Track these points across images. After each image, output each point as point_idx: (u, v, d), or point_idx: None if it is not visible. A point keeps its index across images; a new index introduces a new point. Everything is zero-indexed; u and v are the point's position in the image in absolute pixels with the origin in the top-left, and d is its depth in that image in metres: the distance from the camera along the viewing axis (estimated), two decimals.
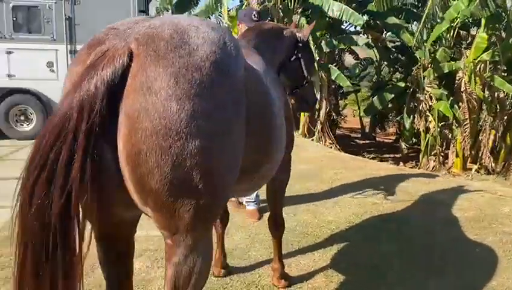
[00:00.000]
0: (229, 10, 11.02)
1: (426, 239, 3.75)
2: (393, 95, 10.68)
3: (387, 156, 12.89)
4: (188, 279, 1.54)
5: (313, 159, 6.80)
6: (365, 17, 11.64)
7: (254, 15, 3.70)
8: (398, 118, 13.49)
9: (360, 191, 5.05)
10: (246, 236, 3.80)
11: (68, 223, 1.35)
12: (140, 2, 9.05)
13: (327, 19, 9.81)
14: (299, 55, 3.15)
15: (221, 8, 10.58)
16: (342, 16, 9.11)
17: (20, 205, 1.35)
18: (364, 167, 6.47)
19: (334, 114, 15.53)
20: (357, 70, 16.08)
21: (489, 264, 3.28)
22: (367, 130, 17.05)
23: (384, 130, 17.29)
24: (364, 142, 15.73)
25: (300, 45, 3.16)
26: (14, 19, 8.30)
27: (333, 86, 14.08)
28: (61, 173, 1.31)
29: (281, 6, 10.04)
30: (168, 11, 10.79)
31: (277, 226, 2.92)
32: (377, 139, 16.69)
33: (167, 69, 1.34)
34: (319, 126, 10.45)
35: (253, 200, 4.25)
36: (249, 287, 2.98)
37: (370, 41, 11.07)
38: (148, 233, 3.80)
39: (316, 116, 10.67)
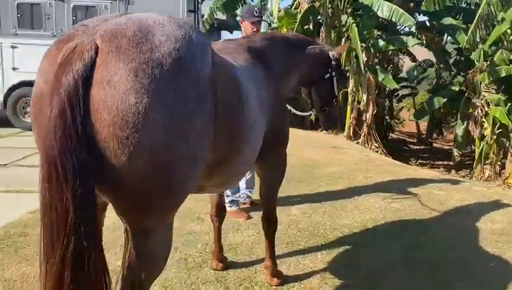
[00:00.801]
0: (279, 10, 11.07)
1: (439, 249, 3.58)
2: (445, 99, 10.18)
3: (440, 163, 12.35)
4: (143, 264, 1.63)
5: (347, 162, 6.70)
6: (423, 18, 11.25)
7: (256, 11, 3.76)
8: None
9: (385, 196, 4.90)
10: (255, 233, 3.84)
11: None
12: (190, 1, 9.34)
13: (380, 19, 9.58)
14: (333, 74, 3.20)
15: (271, 8, 10.66)
16: (391, 17, 8.86)
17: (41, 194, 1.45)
18: (400, 172, 6.26)
19: (387, 117, 15.16)
20: (416, 73, 15.51)
21: (501, 279, 3.09)
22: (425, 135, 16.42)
23: (442, 135, 16.55)
24: (418, 147, 15.17)
25: (334, 63, 3.20)
26: (74, 18, 8.90)
27: (388, 89, 13.76)
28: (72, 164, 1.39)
29: (330, 6, 9.94)
30: (220, 11, 11.03)
31: (268, 224, 2.94)
32: (434, 145, 16.02)
33: (127, 64, 1.42)
34: (365, 129, 10.23)
35: (230, 201, 4.24)
36: (242, 282, 3.02)
37: (424, 42, 10.65)
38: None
39: (364, 118, 10.45)
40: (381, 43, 9.51)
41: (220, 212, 3.12)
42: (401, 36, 9.53)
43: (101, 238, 1.60)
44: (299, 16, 9.72)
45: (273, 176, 2.88)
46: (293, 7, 11.00)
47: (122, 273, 1.65)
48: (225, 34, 16.56)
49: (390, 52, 12.37)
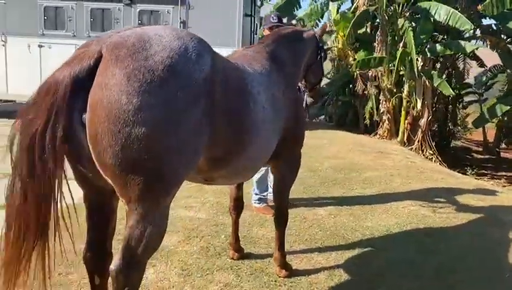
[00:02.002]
0: (338, 12, 11.12)
1: (456, 257, 3.59)
2: (508, 107, 9.68)
3: (503, 174, 11.69)
4: (139, 241, 1.90)
5: (389, 167, 6.67)
6: (492, 21, 10.75)
7: (272, 17, 3.96)
8: None
9: (417, 202, 4.89)
10: None
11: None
12: (247, 6, 9.69)
13: (439, 23, 9.34)
14: (322, 54, 3.46)
15: (326, 11, 10.74)
16: (448, 20, 8.62)
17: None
18: (441, 180, 6.15)
19: (450, 124, 14.55)
20: (484, 79, 14.74)
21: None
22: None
23: None
24: (483, 157, 14.40)
25: (321, 44, 3.46)
26: (140, 21, 9.58)
27: (452, 95, 13.24)
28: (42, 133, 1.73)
29: (386, 10, 9.84)
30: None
31: (279, 220, 3.14)
32: (502, 155, 15.11)
33: (122, 70, 1.73)
34: (419, 135, 9.99)
35: (258, 199, 4.46)
36: (254, 271, 3.26)
37: (488, 47, 10.18)
38: (195, 215, 4.33)
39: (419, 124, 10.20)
40: (438, 47, 9.25)
41: (237, 205, 3.38)
42: (459, 40, 9.19)
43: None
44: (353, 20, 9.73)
45: (286, 175, 3.09)
46: (351, 10, 11.00)
47: (122, 248, 1.93)
48: None
49: (455, 57, 11.96)
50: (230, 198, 3.42)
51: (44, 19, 9.81)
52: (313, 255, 3.56)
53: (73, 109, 1.77)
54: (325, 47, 3.70)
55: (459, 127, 15.47)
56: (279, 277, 3.17)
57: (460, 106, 15.32)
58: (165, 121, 1.77)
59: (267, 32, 4.20)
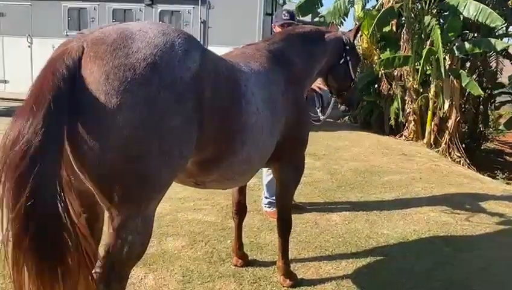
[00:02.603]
0: (363, 9, 10.80)
1: (473, 269, 3.35)
2: None
3: None
4: (120, 250, 1.79)
5: (411, 171, 6.38)
6: None
7: (284, 14, 3.79)
8: None
9: (437, 209, 4.63)
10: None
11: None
12: (268, 5, 9.55)
13: (468, 20, 8.93)
14: (348, 58, 3.24)
15: (350, 9, 10.46)
16: (478, 17, 8.22)
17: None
18: (466, 184, 5.82)
19: (481, 126, 13.97)
20: None
21: None
22: None
23: None
24: None
25: (348, 48, 3.23)
26: (161, 22, 9.58)
27: (484, 95, 12.70)
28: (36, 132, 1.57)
29: (413, 7, 9.49)
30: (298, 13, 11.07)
31: (282, 225, 2.99)
32: None
33: (101, 68, 1.62)
34: (446, 137, 9.58)
35: (268, 203, 4.32)
36: (258, 280, 3.12)
37: None
38: (203, 218, 4.22)
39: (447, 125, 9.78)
40: (466, 45, 8.84)
41: (240, 210, 3.25)
42: (490, 38, 8.74)
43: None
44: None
45: (287, 179, 2.93)
46: (376, 8, 10.68)
47: (103, 255, 1.82)
48: None
49: (487, 56, 11.45)
50: (232, 202, 3.29)
51: (68, 20, 9.97)
52: (321, 263, 3.39)
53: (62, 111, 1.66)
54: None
55: (491, 129, 14.82)
56: (283, 286, 3.02)
57: (492, 106, 14.70)
58: (147, 121, 1.65)
59: (278, 29, 4.06)
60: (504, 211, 4.73)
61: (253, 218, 4.25)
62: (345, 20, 11.43)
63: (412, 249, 3.68)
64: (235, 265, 3.27)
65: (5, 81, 10.65)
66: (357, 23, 11.02)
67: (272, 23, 4.11)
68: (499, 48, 8.84)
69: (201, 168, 2.17)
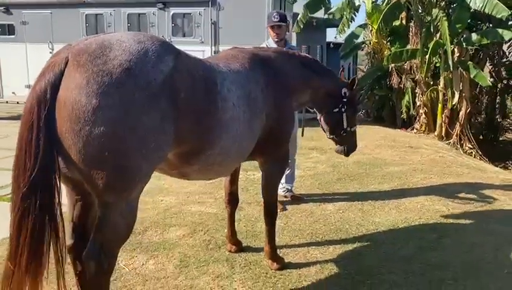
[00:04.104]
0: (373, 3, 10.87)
1: (455, 253, 3.51)
2: None
3: None
4: (107, 231, 2.09)
5: (414, 162, 6.53)
6: None
7: (274, 16, 4.01)
8: None
9: (433, 198, 4.79)
10: (282, 223, 4.11)
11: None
12: (277, 5, 9.74)
13: (475, 11, 8.94)
14: (342, 109, 3.48)
15: (362, 3, 10.54)
16: (484, 8, 8.24)
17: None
18: (467, 174, 5.94)
19: (498, 117, 13.81)
20: None
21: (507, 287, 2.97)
22: None
23: None
24: None
25: (345, 100, 3.47)
26: (173, 24, 9.93)
27: (500, 86, 12.58)
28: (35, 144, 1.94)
29: (420, 0, 9.55)
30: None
31: (267, 215, 3.24)
32: None
33: (82, 74, 1.92)
34: (457, 128, 9.62)
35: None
36: (249, 264, 3.37)
37: None
38: (205, 210, 4.51)
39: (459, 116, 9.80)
40: (474, 37, 8.85)
41: (231, 200, 3.51)
42: (497, 29, 8.72)
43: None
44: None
45: (271, 172, 3.19)
46: (385, 2, 10.75)
47: (92, 237, 2.12)
48: (330, 32, 16.58)
49: (503, 45, 11.37)
50: (224, 192, 3.56)
51: (86, 26, 10.42)
52: (310, 249, 3.62)
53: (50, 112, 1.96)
54: (357, 102, 3.67)
55: (509, 120, 14.62)
56: (271, 269, 3.26)
57: (510, 96, 14.50)
58: (123, 120, 1.94)
59: (270, 31, 4.29)
60: (498, 199, 4.86)
61: (252, 209, 4.51)
62: (355, 15, 11.55)
63: (398, 236, 3.87)
64: (230, 251, 3.54)
65: (29, 86, 11.21)
66: (367, 18, 11.12)
67: (266, 25, 4.35)
68: (506, 38, 8.83)
69: (182, 160, 2.45)
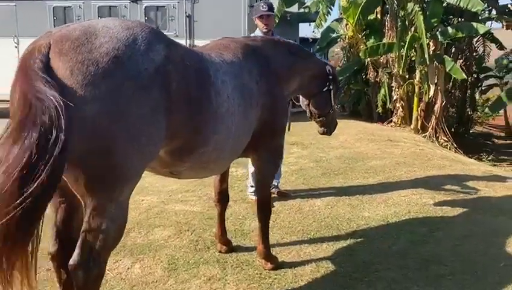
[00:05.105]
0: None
1: (447, 246, 3.48)
2: None
3: None
4: (96, 236, 1.89)
5: (396, 156, 6.52)
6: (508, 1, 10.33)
7: (262, 6, 3.89)
8: None
9: (419, 191, 4.76)
10: (271, 221, 3.93)
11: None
12: (252, 0, 9.59)
13: (449, 5, 9.04)
14: (331, 87, 3.46)
15: None
16: (459, 2, 8.33)
17: None
18: (449, 166, 5.97)
19: (469, 110, 14.12)
20: (505, 62, 14.22)
21: (505, 279, 2.94)
22: None
23: None
24: (504, 142, 13.94)
25: (331, 77, 3.44)
26: (146, 18, 9.62)
27: (470, 80, 12.83)
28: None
29: None
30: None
31: (261, 211, 3.11)
32: None
33: (65, 64, 1.73)
34: (433, 121, 9.73)
35: (254, 191, 4.39)
36: (240, 264, 3.24)
37: (504, 28, 9.80)
38: (190, 209, 4.33)
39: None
40: (449, 30, 8.95)
41: (221, 198, 3.36)
42: (472, 22, 8.85)
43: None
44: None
45: (265, 167, 3.06)
46: None
47: (79, 243, 1.92)
48: (303, 27, 16.56)
49: (473, 39, 11.57)
50: (214, 191, 3.40)
51: (54, 19, 9.97)
52: (302, 247, 3.52)
53: None
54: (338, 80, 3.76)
55: (479, 113, 14.99)
56: (265, 269, 3.14)
57: (479, 90, 14.85)
58: (112, 113, 1.76)
59: (258, 21, 4.14)
60: (482, 190, 4.89)
61: (239, 206, 4.37)
62: (331, 9, 11.52)
63: (389, 231, 3.81)
64: (220, 251, 3.39)
65: None
66: (342, 12, 11.13)
67: (253, 15, 4.20)
68: (481, 32, 8.97)
69: (174, 158, 2.27)
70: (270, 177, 3.13)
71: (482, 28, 8.78)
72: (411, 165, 5.93)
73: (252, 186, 4.48)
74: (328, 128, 3.78)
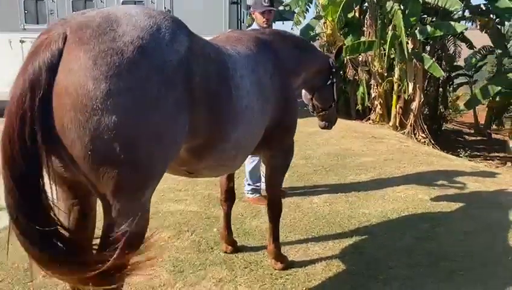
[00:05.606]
0: None
1: (452, 241, 3.49)
2: (499, 88, 9.60)
3: (496, 155, 11.67)
4: (117, 238, 1.73)
5: (382, 152, 6.56)
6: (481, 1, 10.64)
7: (265, 0, 3.78)
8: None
9: (413, 187, 4.79)
10: None
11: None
12: None
13: (427, 4, 9.20)
14: (334, 80, 3.40)
15: None
16: (438, 1, 8.48)
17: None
18: (437, 163, 6.05)
19: (441, 107, 14.49)
20: (474, 60, 14.66)
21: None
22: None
23: (503, 126, 15.53)
24: (474, 138, 14.38)
25: (334, 70, 3.38)
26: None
27: (442, 77, 13.14)
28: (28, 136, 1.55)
29: None
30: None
31: (272, 210, 3.01)
32: (493, 136, 15.10)
33: (87, 53, 1.56)
34: (411, 119, 9.89)
35: (251, 189, 4.35)
36: (249, 265, 3.14)
37: (478, 27, 10.08)
38: (186, 208, 4.19)
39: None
40: (428, 29, 9.11)
41: (228, 197, 3.24)
42: (450, 22, 9.05)
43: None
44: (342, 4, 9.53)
45: (277, 165, 2.96)
46: None
47: (101, 247, 1.77)
48: (276, 25, 16.55)
49: (445, 39, 11.84)
50: (221, 190, 3.28)
51: (25, 13, 9.51)
52: (309, 245, 3.45)
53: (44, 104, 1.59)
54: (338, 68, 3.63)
55: (450, 110, 15.40)
56: (275, 269, 3.05)
57: (451, 88, 15.27)
58: (138, 107, 1.61)
59: (258, 16, 4.01)
60: (473, 186, 4.96)
61: (236, 205, 4.19)
62: (309, 7, 11.54)
63: (392, 227, 3.79)
64: (225, 252, 3.27)
65: None
66: (319, 10, 11.15)
67: (250, 9, 4.06)
68: (459, 30, 9.16)
69: (193, 155, 2.15)
70: (282, 175, 3.04)
71: (459, 27, 8.98)
72: (399, 161, 5.97)
73: (249, 184, 4.38)
74: (330, 122, 3.71)
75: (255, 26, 4.11)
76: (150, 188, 1.82)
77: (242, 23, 10.37)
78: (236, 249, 3.31)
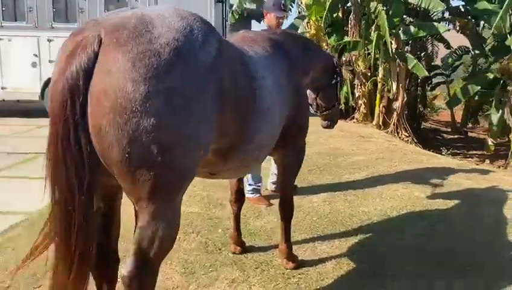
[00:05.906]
0: None
1: (453, 238, 3.58)
2: (479, 87, 9.88)
3: (474, 152, 12.00)
4: (151, 243, 1.72)
5: (372, 151, 6.67)
6: (459, 3, 10.88)
7: (282, 4, 3.80)
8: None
9: (408, 185, 4.88)
10: (274, 219, 3.90)
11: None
12: None
13: (410, 5, 9.39)
14: (338, 78, 3.44)
15: None
16: (421, 3, 8.66)
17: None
18: (425, 161, 6.19)
19: (420, 106, 14.80)
20: (450, 60, 15.03)
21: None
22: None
23: (478, 124, 15.98)
24: (452, 137, 14.75)
25: (338, 70, 3.42)
26: (106, 10, 9.14)
27: (420, 77, 13.42)
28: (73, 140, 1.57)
29: None
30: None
31: (285, 210, 3.03)
32: (470, 134, 15.53)
33: (125, 55, 1.54)
34: (394, 118, 10.07)
35: (252, 189, 4.35)
36: (259, 265, 3.14)
37: (458, 28, 10.35)
38: (187, 209, 4.15)
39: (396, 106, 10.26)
40: (412, 29, 9.31)
41: (239, 198, 3.24)
42: (432, 22, 9.27)
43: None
44: (327, 4, 9.62)
45: (290, 166, 2.97)
46: None
47: (133, 251, 1.75)
48: (254, 24, 16.60)
49: (424, 39, 12.10)
50: (231, 191, 3.27)
51: (3, 10, 9.24)
52: (316, 244, 3.47)
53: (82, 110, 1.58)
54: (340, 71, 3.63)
55: (428, 109, 15.75)
56: (286, 269, 3.06)
57: (429, 88, 15.62)
58: (174, 108, 1.60)
59: (272, 18, 3.91)
60: (464, 183, 5.10)
61: None
62: (292, 6, 11.59)
63: (393, 225, 3.87)
64: (234, 253, 3.27)
65: None
66: (302, 10, 11.20)
67: (267, 10, 3.98)
68: (441, 31, 9.39)
69: (219, 157, 2.14)
70: (294, 175, 3.06)
71: (442, 28, 9.21)
72: (391, 160, 6.08)
73: (250, 184, 4.37)
74: (332, 121, 3.75)
75: (264, 27, 4.13)
76: (183, 189, 1.81)
77: (226, 22, 10.35)
78: (245, 249, 3.31)
